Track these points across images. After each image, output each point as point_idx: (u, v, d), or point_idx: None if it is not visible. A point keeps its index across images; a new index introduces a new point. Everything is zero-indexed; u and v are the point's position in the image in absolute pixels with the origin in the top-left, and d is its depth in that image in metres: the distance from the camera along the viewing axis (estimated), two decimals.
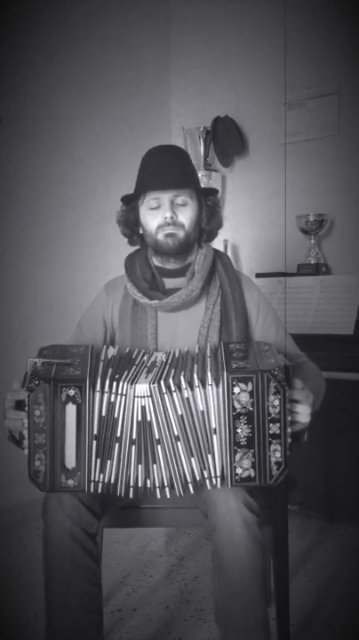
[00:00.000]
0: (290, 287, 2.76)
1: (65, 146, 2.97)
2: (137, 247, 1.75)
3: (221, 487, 1.33)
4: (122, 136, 3.21)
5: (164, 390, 1.32)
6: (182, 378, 1.32)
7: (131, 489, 1.34)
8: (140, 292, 1.62)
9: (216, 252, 1.72)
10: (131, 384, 1.32)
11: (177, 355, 1.44)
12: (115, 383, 1.33)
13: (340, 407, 2.52)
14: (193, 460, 1.33)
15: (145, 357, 1.45)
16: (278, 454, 1.29)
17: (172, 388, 1.32)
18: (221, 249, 3.03)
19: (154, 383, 1.32)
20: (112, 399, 1.33)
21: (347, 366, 2.43)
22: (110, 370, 1.35)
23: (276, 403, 1.28)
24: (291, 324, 2.50)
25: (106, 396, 1.32)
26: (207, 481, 1.33)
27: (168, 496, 1.34)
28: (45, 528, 1.43)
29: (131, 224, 1.69)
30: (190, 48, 3.47)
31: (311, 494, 2.64)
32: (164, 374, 1.34)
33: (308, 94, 3.07)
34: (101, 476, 1.33)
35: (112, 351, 1.47)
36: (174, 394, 1.32)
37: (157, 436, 1.33)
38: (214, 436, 1.32)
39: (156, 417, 1.32)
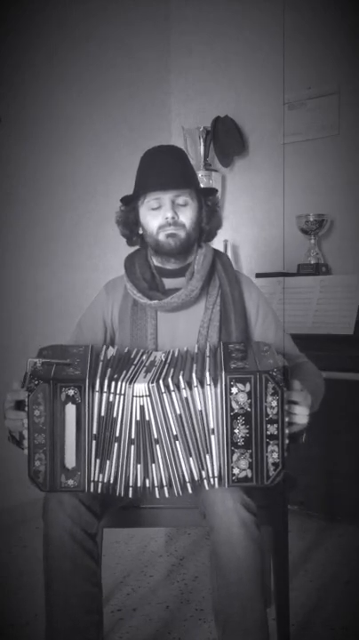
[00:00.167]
0: (290, 287, 2.76)
1: (65, 146, 2.97)
2: (136, 247, 1.75)
3: (219, 487, 1.33)
4: (122, 136, 3.21)
5: (163, 390, 1.32)
6: (181, 377, 1.32)
7: (131, 489, 1.34)
8: (140, 292, 1.62)
9: (215, 251, 1.72)
10: (130, 383, 1.32)
11: (176, 354, 1.44)
12: (113, 383, 1.33)
13: (340, 407, 2.52)
14: (191, 459, 1.33)
15: (144, 357, 1.45)
16: (275, 455, 1.29)
17: (171, 388, 1.32)
18: (221, 249, 3.03)
19: (152, 383, 1.32)
20: (111, 399, 1.33)
21: (347, 366, 2.43)
22: (109, 370, 1.35)
23: (274, 403, 1.28)
24: (291, 324, 2.50)
25: (105, 395, 1.32)
26: (205, 481, 1.33)
27: (167, 495, 1.34)
28: (45, 528, 1.43)
29: (130, 224, 1.69)
30: (190, 48, 3.47)
31: (311, 494, 2.64)
32: (163, 374, 1.34)
33: (308, 94, 3.07)
34: (101, 475, 1.33)
35: (112, 351, 1.47)
36: (173, 393, 1.32)
37: (156, 436, 1.33)
38: (212, 436, 1.32)
39: (155, 416, 1.32)
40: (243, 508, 1.36)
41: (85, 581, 1.43)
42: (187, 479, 1.33)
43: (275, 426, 1.28)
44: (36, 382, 1.29)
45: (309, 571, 2.24)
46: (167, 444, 1.33)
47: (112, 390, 1.33)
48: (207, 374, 1.32)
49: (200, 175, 3.22)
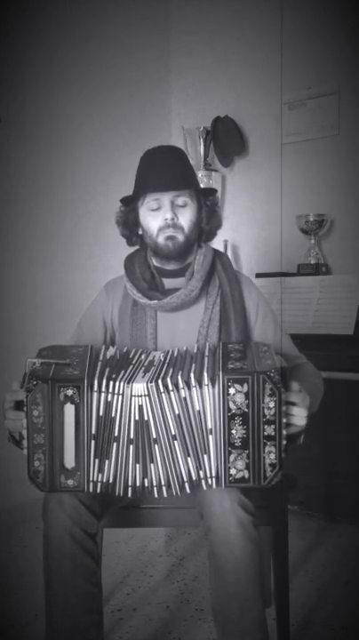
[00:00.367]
0: (290, 287, 2.76)
1: (65, 146, 2.97)
2: (136, 247, 1.75)
3: (216, 488, 1.33)
4: (122, 136, 3.21)
5: (162, 389, 1.32)
6: (179, 377, 1.32)
7: (130, 488, 1.34)
8: (140, 292, 1.62)
9: (215, 251, 1.72)
10: (128, 383, 1.32)
11: (175, 354, 1.44)
12: (111, 383, 1.32)
13: (340, 407, 2.52)
14: (189, 459, 1.33)
15: (142, 357, 1.45)
16: (273, 456, 1.29)
17: (170, 388, 1.32)
18: (221, 249, 3.03)
19: (151, 382, 1.32)
20: (109, 399, 1.32)
21: (347, 366, 2.43)
22: (108, 369, 1.35)
23: (272, 404, 1.28)
24: (291, 324, 2.50)
25: (103, 395, 1.32)
26: (203, 481, 1.33)
27: (165, 495, 1.34)
28: (45, 528, 1.43)
29: (130, 225, 1.69)
30: (190, 48, 3.47)
31: (311, 494, 2.64)
32: (162, 373, 1.34)
33: (308, 94, 3.07)
34: (100, 475, 1.33)
35: (111, 351, 1.47)
36: (172, 393, 1.32)
37: (155, 436, 1.33)
38: (210, 437, 1.32)
39: (154, 416, 1.32)
40: (241, 509, 1.36)
41: (85, 581, 1.43)
42: (185, 479, 1.33)
43: (273, 427, 1.28)
44: (35, 382, 1.29)
45: (309, 571, 2.24)
46: (166, 443, 1.33)
47: (110, 390, 1.32)
48: (205, 374, 1.32)
49: (200, 175, 3.23)
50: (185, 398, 1.32)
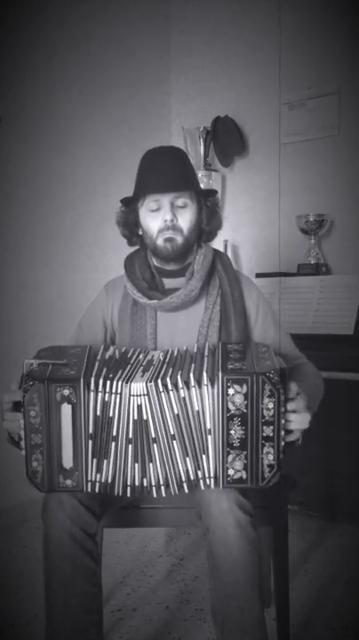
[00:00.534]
0: (290, 287, 2.76)
1: (65, 146, 2.97)
2: (136, 247, 1.75)
3: (214, 488, 1.33)
4: (122, 136, 3.21)
5: (161, 389, 1.32)
6: (179, 377, 1.32)
7: (129, 488, 1.34)
8: (140, 291, 1.62)
9: (215, 251, 1.72)
10: (127, 383, 1.32)
11: (175, 354, 1.44)
12: (109, 382, 1.32)
13: (340, 407, 2.52)
14: (188, 459, 1.33)
15: (140, 356, 1.45)
16: (271, 457, 1.29)
17: (169, 387, 1.31)
18: (221, 249, 3.03)
19: (151, 382, 1.31)
20: (106, 398, 1.32)
21: (347, 366, 2.43)
22: (105, 369, 1.35)
23: (271, 406, 1.28)
24: (290, 324, 2.50)
25: (100, 395, 1.32)
26: (201, 481, 1.33)
27: (163, 494, 1.34)
28: (45, 528, 1.43)
29: (130, 225, 1.69)
30: (190, 48, 3.47)
31: (311, 494, 2.64)
32: (162, 373, 1.33)
33: (308, 94, 3.07)
34: (98, 475, 1.33)
35: (110, 351, 1.47)
36: (171, 393, 1.32)
37: (154, 435, 1.33)
38: (209, 437, 1.32)
39: (153, 416, 1.32)
40: (239, 509, 1.36)
41: (85, 581, 1.43)
42: (183, 479, 1.33)
43: (271, 428, 1.28)
44: (31, 383, 1.29)
45: (309, 571, 2.24)
46: (165, 443, 1.33)
47: (107, 389, 1.32)
48: (204, 374, 1.32)
49: (200, 175, 3.22)
50: (184, 398, 1.32)
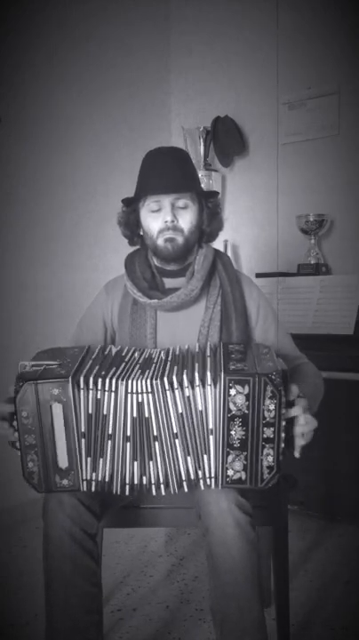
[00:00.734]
0: (290, 287, 2.76)
1: (65, 146, 2.97)
2: (137, 247, 1.75)
3: (213, 488, 1.33)
4: (122, 136, 3.21)
5: (167, 387, 1.31)
6: (184, 376, 1.32)
7: (127, 486, 1.34)
8: (140, 291, 1.62)
9: (216, 252, 1.72)
10: (123, 380, 1.32)
11: (177, 352, 1.44)
12: (100, 380, 1.32)
13: (340, 407, 2.52)
14: (189, 458, 1.33)
15: (136, 354, 1.45)
16: (271, 458, 1.28)
17: (175, 386, 1.31)
18: (221, 249, 3.03)
19: (156, 380, 1.31)
20: (99, 396, 1.32)
21: (347, 366, 2.43)
22: (97, 367, 1.35)
23: (272, 407, 1.27)
24: (291, 324, 2.50)
25: (91, 393, 1.32)
26: (201, 481, 1.33)
27: (163, 493, 1.34)
28: (45, 528, 1.43)
29: (131, 225, 1.69)
30: (190, 48, 3.47)
31: (311, 494, 2.64)
32: (167, 371, 1.33)
33: (308, 94, 3.07)
34: (94, 474, 1.33)
35: (107, 350, 1.47)
36: (176, 391, 1.31)
37: (156, 433, 1.32)
38: (211, 437, 1.32)
39: (156, 414, 1.32)
40: (238, 509, 1.36)
41: (85, 581, 1.43)
42: (183, 478, 1.33)
43: (272, 429, 1.28)
44: (21, 384, 1.30)
45: (309, 571, 2.24)
46: (167, 441, 1.33)
47: (99, 387, 1.32)
48: (208, 374, 1.32)
49: (200, 175, 3.22)
50: (188, 397, 1.31)
